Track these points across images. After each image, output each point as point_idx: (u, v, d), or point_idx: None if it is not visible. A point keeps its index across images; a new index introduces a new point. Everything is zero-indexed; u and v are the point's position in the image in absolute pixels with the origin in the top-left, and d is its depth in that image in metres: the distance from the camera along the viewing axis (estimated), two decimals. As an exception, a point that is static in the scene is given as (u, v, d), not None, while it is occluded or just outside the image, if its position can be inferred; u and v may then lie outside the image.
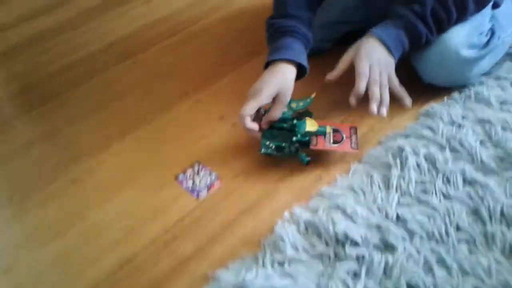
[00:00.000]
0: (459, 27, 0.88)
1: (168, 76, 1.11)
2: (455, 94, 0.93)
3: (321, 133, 0.84)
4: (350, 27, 1.08)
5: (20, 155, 0.96)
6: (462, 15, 0.87)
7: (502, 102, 0.89)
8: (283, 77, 0.86)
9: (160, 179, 0.87)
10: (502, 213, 0.70)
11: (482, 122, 0.85)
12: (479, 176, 0.75)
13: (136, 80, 1.11)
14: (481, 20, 0.92)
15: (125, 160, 0.92)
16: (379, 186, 0.77)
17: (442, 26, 0.86)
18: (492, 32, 0.92)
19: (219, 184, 0.85)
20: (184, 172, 0.87)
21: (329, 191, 0.78)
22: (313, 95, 0.90)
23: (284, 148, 0.84)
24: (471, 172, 0.76)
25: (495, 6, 0.96)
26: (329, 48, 1.10)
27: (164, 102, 1.04)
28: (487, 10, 0.94)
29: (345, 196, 0.76)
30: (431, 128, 0.86)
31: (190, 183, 0.85)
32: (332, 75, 0.88)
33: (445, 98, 0.93)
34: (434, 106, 0.91)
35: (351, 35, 1.08)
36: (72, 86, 1.11)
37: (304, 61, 0.89)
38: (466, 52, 0.88)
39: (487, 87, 0.92)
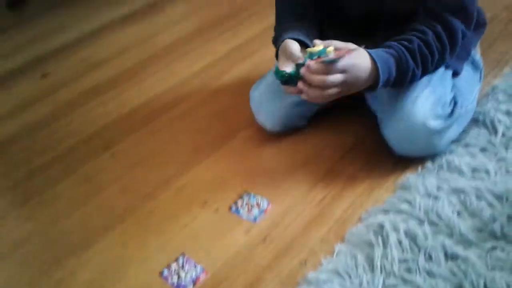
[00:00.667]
0: (424, 99, 0.93)
1: (148, 165, 1.12)
2: (428, 164, 0.96)
3: (321, 54, 0.82)
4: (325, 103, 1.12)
5: (4, 259, 0.95)
6: (442, 57, 0.89)
7: (474, 170, 0.91)
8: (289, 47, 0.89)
9: (144, 276, 0.86)
10: (485, 287, 0.71)
11: (456, 191, 0.87)
12: (459, 250, 0.76)
13: (117, 171, 1.12)
14: (444, 91, 0.96)
15: (108, 258, 0.91)
16: (363, 268, 0.78)
17: (426, 65, 0.88)
18: (455, 102, 0.96)
19: (204, 276, 0.84)
20: (169, 267, 0.87)
21: (315, 277, 0.78)
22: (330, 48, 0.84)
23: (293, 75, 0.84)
24: (452, 246, 0.77)
25: (455, 74, 1.01)
26: (306, 125, 1.14)
27: (146, 192, 1.05)
28: (449, 80, 0.99)
29: (331, 282, 0.76)
30: (408, 201, 0.88)
31: (175, 278, 0.85)
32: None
33: (419, 168, 0.96)
34: (410, 177, 0.94)
35: (326, 111, 1.13)
36: (54, 182, 1.12)
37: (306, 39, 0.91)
38: (433, 123, 0.92)
39: (458, 155, 0.95)
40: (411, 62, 0.86)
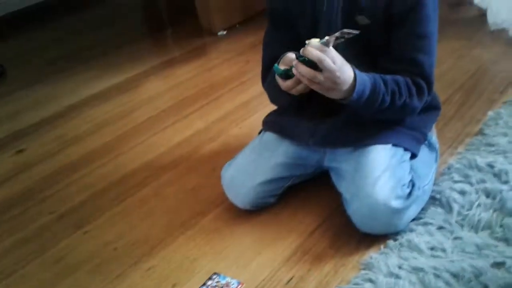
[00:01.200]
0: (385, 181, 0.99)
1: (119, 245, 1.14)
2: (390, 242, 1.01)
3: None
4: (292, 181, 1.17)
5: None
6: (407, 103, 0.98)
7: (432, 248, 0.96)
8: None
9: None
10: None
11: (416, 270, 0.91)
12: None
13: (88, 251, 1.13)
14: (403, 173, 1.03)
15: None
16: None
17: (394, 98, 0.96)
18: (413, 183, 1.03)
19: None
20: None
21: None
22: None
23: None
24: (412, 327, 0.80)
25: (413, 156, 1.09)
26: (275, 201, 1.18)
27: (116, 273, 1.05)
28: (407, 162, 1.06)
29: None
30: (371, 281, 0.91)
31: None
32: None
33: (382, 246, 1.01)
34: (373, 256, 0.98)
35: (295, 188, 1.18)
36: (24, 263, 1.11)
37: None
38: (394, 203, 0.98)
39: (417, 233, 1.00)
40: (383, 87, 0.95)
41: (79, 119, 1.78)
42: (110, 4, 4.46)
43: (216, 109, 1.72)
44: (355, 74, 0.92)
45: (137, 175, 1.40)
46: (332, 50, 0.89)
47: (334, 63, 0.88)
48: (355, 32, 0.87)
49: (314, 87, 0.92)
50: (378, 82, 0.95)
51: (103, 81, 2.18)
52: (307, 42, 0.91)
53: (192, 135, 1.57)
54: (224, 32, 2.66)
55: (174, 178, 1.36)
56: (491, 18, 1.81)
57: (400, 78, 0.98)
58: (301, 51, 0.90)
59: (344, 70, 0.90)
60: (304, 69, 0.89)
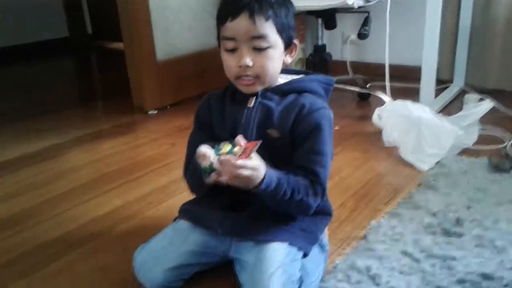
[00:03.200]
0: (278, 276, 1.12)
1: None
2: (278, 332, 1.12)
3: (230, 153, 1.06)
4: (200, 267, 1.27)
5: None
6: (303, 201, 1.16)
7: None
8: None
9: None
10: None
11: None
12: None
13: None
14: (293, 270, 1.18)
15: None
16: None
17: (294, 193, 1.13)
18: (302, 280, 1.18)
19: None
20: None
21: None
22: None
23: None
24: None
25: (305, 255, 1.25)
26: (182, 286, 1.26)
27: None
28: (298, 261, 1.22)
29: None
30: None
31: None
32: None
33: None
34: None
35: (201, 272, 1.28)
36: None
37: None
38: (285, 298, 1.12)
39: (302, 326, 1.13)
40: (286, 184, 1.12)
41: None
42: (46, 66, 4.49)
43: (136, 188, 1.81)
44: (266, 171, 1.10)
45: (49, 248, 1.42)
46: (253, 159, 1.08)
47: (253, 167, 1.07)
48: (260, 141, 1.09)
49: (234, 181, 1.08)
50: (283, 178, 1.13)
51: (23, 146, 2.19)
52: (221, 144, 1.10)
53: (108, 212, 1.63)
54: (155, 112, 2.80)
55: (89, 253, 1.39)
56: (385, 136, 2.12)
57: (301, 179, 1.17)
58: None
59: (260, 169, 1.08)
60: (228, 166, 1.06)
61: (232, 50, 1.17)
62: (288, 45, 1.23)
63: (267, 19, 1.15)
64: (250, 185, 1.09)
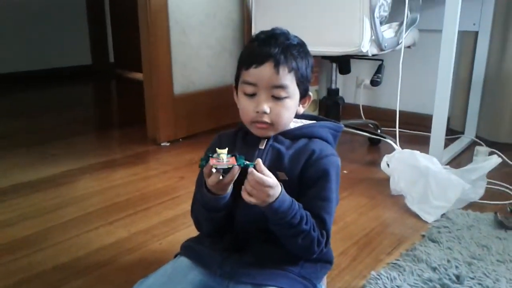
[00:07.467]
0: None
1: None
2: None
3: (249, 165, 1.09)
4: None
5: None
6: (312, 233, 1.16)
7: None
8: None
9: None
10: None
11: None
12: None
13: None
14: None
15: None
16: None
17: (302, 221, 1.14)
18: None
19: None
20: None
21: None
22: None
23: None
24: None
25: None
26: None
27: None
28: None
29: None
30: None
31: None
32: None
33: None
34: None
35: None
36: None
37: None
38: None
39: None
40: (297, 208, 1.14)
41: (2, 207, 1.80)
42: (65, 91, 4.63)
43: (142, 221, 1.83)
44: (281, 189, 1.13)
45: (49, 276, 1.44)
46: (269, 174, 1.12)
47: (272, 185, 1.10)
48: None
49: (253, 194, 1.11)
50: (295, 203, 1.16)
51: (37, 170, 2.24)
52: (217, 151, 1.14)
53: (112, 243, 1.65)
54: (168, 144, 2.85)
55: (89, 284, 1.41)
56: (392, 184, 2.13)
57: (310, 215, 1.18)
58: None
59: (278, 187, 1.12)
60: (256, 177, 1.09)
61: (251, 95, 1.22)
62: (303, 96, 1.28)
63: (290, 70, 1.19)
64: (266, 202, 1.11)
